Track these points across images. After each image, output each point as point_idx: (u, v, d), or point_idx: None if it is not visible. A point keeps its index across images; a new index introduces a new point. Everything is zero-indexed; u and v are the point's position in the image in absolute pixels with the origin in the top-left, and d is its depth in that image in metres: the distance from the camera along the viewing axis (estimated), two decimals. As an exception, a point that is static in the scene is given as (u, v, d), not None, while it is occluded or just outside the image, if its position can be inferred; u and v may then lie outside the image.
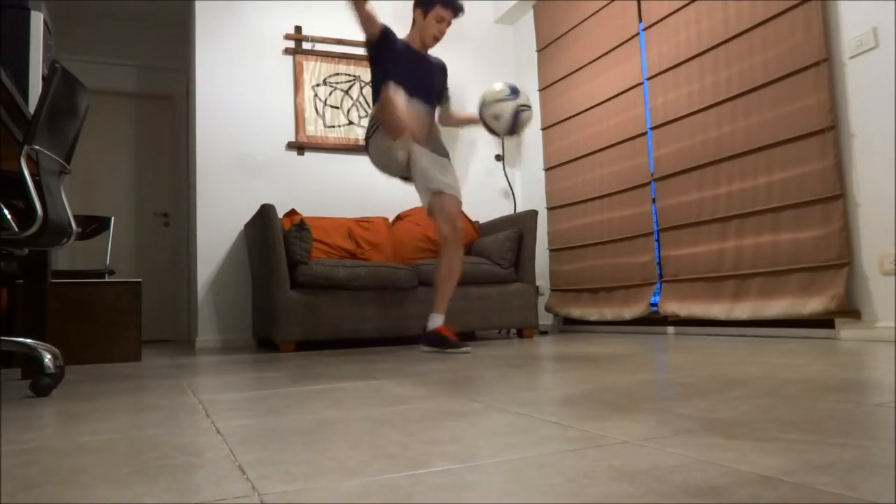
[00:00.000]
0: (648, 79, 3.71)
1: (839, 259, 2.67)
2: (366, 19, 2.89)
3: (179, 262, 5.50)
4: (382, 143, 2.91)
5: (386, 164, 3.01)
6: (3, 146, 2.01)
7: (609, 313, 3.91)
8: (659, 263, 3.64)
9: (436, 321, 2.87)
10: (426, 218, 4.17)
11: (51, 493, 0.76)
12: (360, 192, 4.51)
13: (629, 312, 3.75)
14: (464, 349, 2.77)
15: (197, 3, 4.27)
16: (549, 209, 4.56)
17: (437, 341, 2.83)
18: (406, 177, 3.05)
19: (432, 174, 2.88)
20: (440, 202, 2.87)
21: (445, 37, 3.09)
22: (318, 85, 4.48)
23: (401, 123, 2.76)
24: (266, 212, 3.39)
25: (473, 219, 4.71)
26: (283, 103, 4.39)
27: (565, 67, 4.43)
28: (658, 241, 3.65)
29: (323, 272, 3.37)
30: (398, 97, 2.79)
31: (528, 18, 4.92)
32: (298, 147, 4.38)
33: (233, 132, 4.25)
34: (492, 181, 4.91)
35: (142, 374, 2.33)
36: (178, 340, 5.37)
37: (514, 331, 4.30)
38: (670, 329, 3.60)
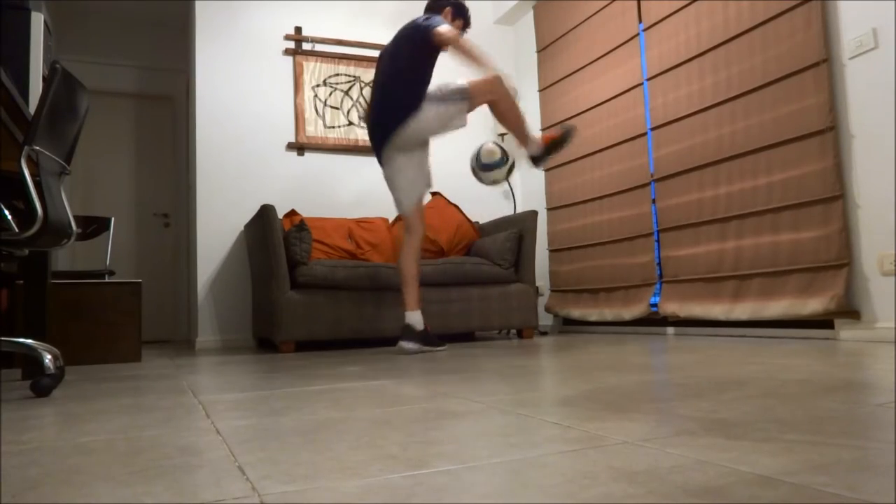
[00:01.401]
0: (648, 79, 3.71)
1: (839, 260, 2.67)
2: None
3: (179, 262, 5.50)
4: (447, 111, 2.92)
5: (436, 131, 2.99)
6: (3, 146, 2.01)
7: (609, 314, 3.91)
8: (659, 264, 3.64)
9: (420, 318, 2.91)
10: (426, 218, 4.18)
11: (51, 493, 0.76)
12: (360, 192, 4.51)
13: (629, 313, 3.75)
14: (442, 348, 2.99)
15: (197, 3, 4.27)
16: (549, 210, 4.56)
17: (428, 340, 2.90)
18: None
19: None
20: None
21: None
22: (318, 85, 4.48)
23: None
24: (266, 212, 3.39)
25: (473, 219, 4.71)
26: (283, 104, 4.39)
27: (565, 68, 4.43)
28: (658, 241, 3.65)
29: (323, 273, 3.37)
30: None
31: (528, 19, 4.92)
32: (298, 147, 4.38)
33: (233, 132, 4.25)
34: (492, 181, 4.90)
35: (142, 374, 2.33)
36: (178, 340, 5.37)
37: (514, 331, 4.30)
38: (670, 329, 3.61)
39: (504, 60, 5.11)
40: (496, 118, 3.04)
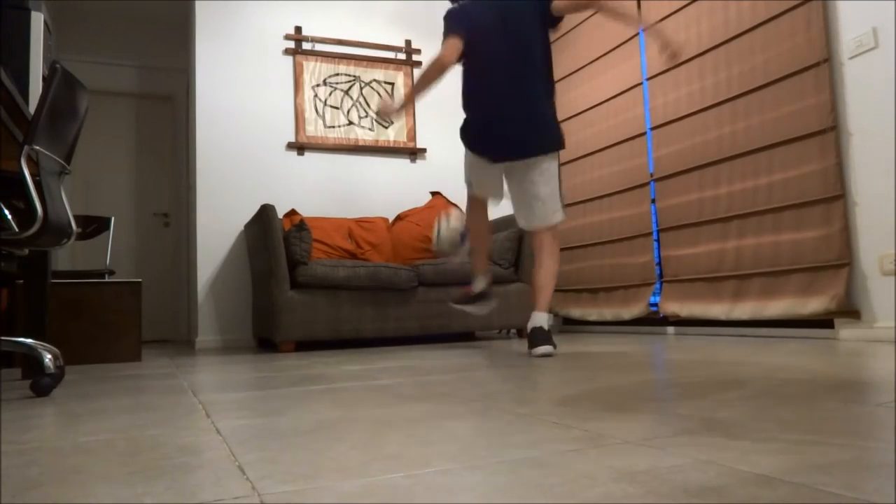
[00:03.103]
0: (648, 79, 3.71)
1: (839, 259, 2.67)
2: None
3: (179, 262, 5.50)
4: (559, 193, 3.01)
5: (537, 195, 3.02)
6: (3, 146, 2.01)
7: (608, 313, 3.91)
8: (659, 264, 3.64)
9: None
10: (426, 218, 4.17)
11: (51, 493, 0.76)
12: (360, 192, 4.51)
13: (628, 313, 3.75)
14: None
15: (197, 3, 4.27)
16: (549, 209, 4.55)
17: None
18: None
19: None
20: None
21: None
22: (318, 85, 4.48)
23: None
24: (266, 212, 3.39)
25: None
26: (283, 103, 4.39)
27: (565, 68, 4.43)
28: (658, 241, 3.65)
29: (323, 272, 3.37)
30: None
31: (528, 19, 4.91)
32: (298, 147, 4.38)
33: (233, 132, 4.25)
34: (492, 181, 4.91)
35: (142, 374, 2.33)
36: (178, 340, 5.37)
37: (513, 331, 4.30)
38: (670, 329, 3.61)
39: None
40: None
